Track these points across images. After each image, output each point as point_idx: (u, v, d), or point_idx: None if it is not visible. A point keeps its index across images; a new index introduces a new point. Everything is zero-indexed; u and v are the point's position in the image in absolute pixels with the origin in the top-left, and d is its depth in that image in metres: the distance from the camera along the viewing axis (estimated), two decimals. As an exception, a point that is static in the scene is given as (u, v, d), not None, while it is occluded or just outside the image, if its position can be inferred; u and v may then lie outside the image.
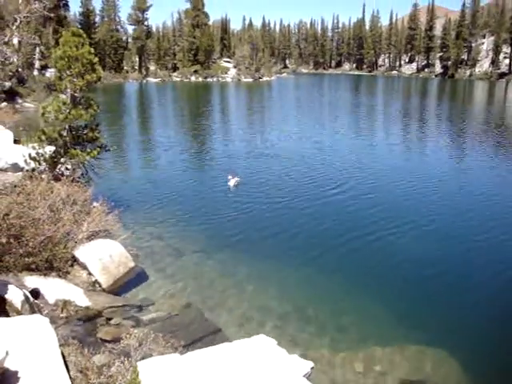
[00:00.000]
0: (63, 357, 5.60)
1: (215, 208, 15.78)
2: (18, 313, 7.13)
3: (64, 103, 14.04)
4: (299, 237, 13.52)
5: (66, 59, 13.72)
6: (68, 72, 13.95)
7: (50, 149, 14.55)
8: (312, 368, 5.02)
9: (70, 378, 5.33)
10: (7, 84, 37.20)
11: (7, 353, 4.57)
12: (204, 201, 16.62)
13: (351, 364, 8.29)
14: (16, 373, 4.74)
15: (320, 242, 13.14)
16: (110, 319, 8.55)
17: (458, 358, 8.42)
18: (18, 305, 7.20)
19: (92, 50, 14.03)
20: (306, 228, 14.12)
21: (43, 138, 14.07)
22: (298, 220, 14.71)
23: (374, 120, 41.61)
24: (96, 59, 14.17)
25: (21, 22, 20.80)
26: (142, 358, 6.55)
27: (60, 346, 5.86)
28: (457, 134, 33.31)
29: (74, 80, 13.86)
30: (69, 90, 14.04)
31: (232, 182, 17.84)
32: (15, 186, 12.16)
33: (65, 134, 14.28)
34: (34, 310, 7.60)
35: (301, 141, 28.89)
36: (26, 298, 7.50)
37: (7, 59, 18.61)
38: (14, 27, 20.52)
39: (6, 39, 19.04)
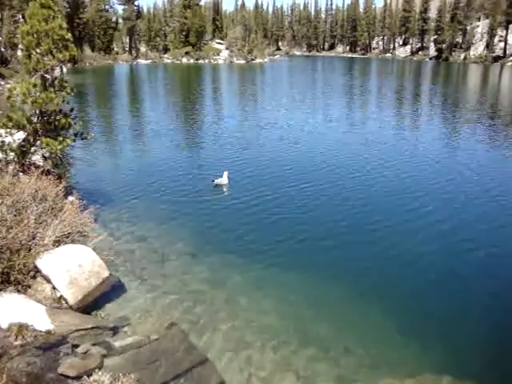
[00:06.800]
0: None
1: (205, 205, 14.07)
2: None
3: (34, 85, 12.40)
4: (299, 239, 11.86)
5: (34, 35, 12.08)
6: (37, 50, 12.34)
7: (19, 136, 12.98)
8: None
9: None
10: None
11: None
12: (193, 197, 14.76)
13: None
14: None
15: (324, 245, 11.53)
16: (76, 346, 7.09)
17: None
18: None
19: (64, 25, 12.40)
20: (307, 228, 12.48)
21: (10, 124, 12.48)
22: (296, 219, 13.09)
23: (368, 103, 40.06)
24: (69, 35, 12.52)
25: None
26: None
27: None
28: (451, 119, 31.91)
29: (44, 59, 12.24)
30: (39, 71, 12.43)
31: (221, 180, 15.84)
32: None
33: (35, 119, 12.69)
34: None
35: (291, 126, 27.33)
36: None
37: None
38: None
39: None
